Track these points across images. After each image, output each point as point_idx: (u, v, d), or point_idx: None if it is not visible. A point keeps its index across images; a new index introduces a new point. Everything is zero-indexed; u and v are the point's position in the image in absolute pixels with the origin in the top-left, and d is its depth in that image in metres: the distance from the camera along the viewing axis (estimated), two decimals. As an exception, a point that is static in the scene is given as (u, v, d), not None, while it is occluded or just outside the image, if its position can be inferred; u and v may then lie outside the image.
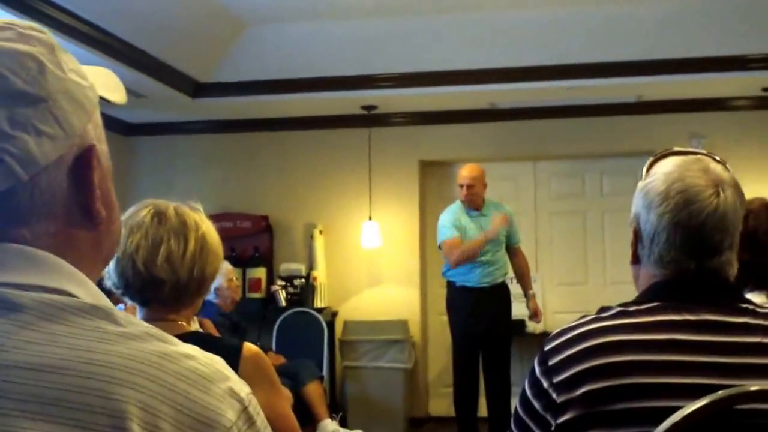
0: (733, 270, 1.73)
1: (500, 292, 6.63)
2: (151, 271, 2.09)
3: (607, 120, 8.02)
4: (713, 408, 1.45)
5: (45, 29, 1.00)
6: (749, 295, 1.81)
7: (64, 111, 0.95)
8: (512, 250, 6.80)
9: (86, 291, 0.96)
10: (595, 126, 8.04)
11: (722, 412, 1.47)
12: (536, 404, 1.67)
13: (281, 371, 3.53)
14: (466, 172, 6.58)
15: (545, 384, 1.66)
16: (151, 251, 2.09)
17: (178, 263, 2.11)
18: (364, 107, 7.93)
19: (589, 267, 8.33)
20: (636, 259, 1.80)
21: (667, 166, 1.74)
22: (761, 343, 1.63)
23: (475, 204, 6.58)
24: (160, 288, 2.12)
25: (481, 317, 6.44)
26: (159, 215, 2.14)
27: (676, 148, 1.83)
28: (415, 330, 8.13)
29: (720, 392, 1.47)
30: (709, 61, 6.86)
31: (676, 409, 1.47)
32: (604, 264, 8.25)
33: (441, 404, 8.17)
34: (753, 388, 1.50)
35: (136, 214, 2.14)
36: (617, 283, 7.84)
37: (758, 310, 1.69)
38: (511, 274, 6.90)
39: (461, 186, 6.58)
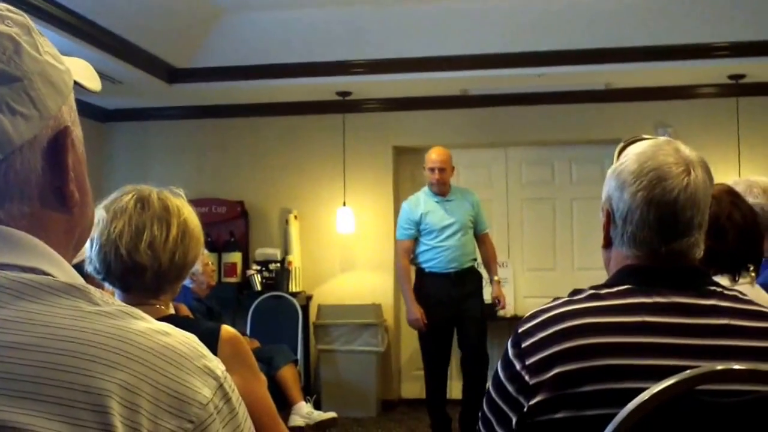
0: (700, 251, 1.76)
1: (468, 277, 6.54)
2: (133, 258, 2.08)
3: (576, 108, 8.08)
4: (680, 388, 1.47)
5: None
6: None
7: (39, 92, 0.95)
8: (479, 237, 6.73)
9: (61, 270, 0.95)
10: (564, 113, 8.10)
11: (688, 392, 1.49)
12: (509, 387, 1.68)
13: (256, 356, 3.57)
14: (435, 155, 6.53)
15: (518, 366, 1.67)
16: (135, 237, 2.08)
17: (160, 249, 2.10)
18: (338, 93, 7.96)
19: (557, 253, 8.37)
20: (608, 243, 1.81)
21: (639, 147, 1.77)
22: (729, 324, 1.66)
23: (443, 189, 6.56)
24: (141, 274, 2.11)
25: (448, 303, 6.41)
26: (142, 201, 2.13)
27: (645, 135, 1.86)
28: (387, 314, 8.18)
29: (686, 372, 1.49)
30: (676, 49, 6.93)
31: (644, 390, 1.48)
32: (572, 250, 8.32)
33: (413, 387, 8.23)
34: (718, 368, 1.53)
35: (119, 199, 2.13)
36: (584, 269, 7.98)
37: (725, 292, 1.72)
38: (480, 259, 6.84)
39: (432, 170, 6.52)
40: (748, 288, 2.57)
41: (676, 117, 7.92)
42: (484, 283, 6.75)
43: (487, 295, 6.86)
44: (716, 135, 7.71)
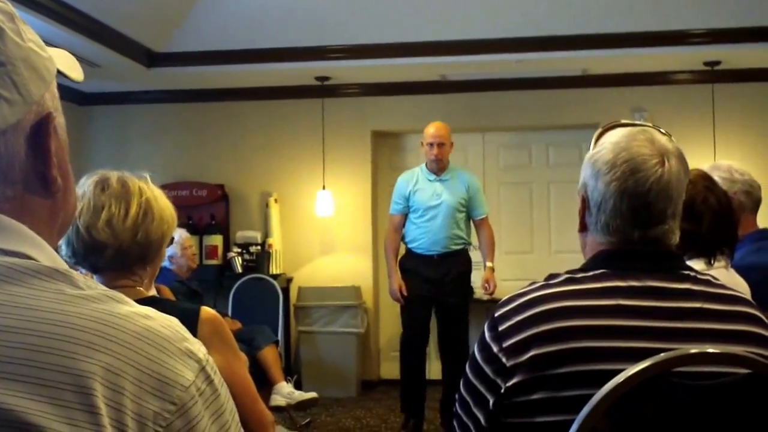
0: (675, 238, 1.78)
1: (453, 261, 6.41)
2: (92, 235, 2.12)
3: (553, 93, 8.13)
4: (654, 370, 1.50)
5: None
6: (689, 263, 1.85)
7: (22, 77, 0.95)
8: (476, 222, 6.57)
9: (45, 254, 0.95)
10: (541, 99, 8.15)
11: (663, 374, 1.52)
12: (487, 369, 1.70)
13: (238, 337, 3.55)
14: (434, 130, 6.36)
15: (495, 349, 1.69)
16: (93, 216, 2.12)
17: (120, 227, 2.13)
18: (317, 78, 7.97)
19: (534, 236, 8.42)
20: (583, 227, 1.84)
21: (615, 136, 1.78)
22: (702, 308, 1.70)
23: (441, 165, 6.40)
24: (102, 252, 2.14)
25: (428, 285, 6.35)
26: (102, 183, 2.18)
27: (623, 121, 1.89)
28: (367, 296, 8.26)
29: (661, 354, 1.51)
30: (653, 35, 6.99)
31: (619, 372, 1.51)
32: (549, 233, 8.37)
33: (392, 367, 8.24)
34: (692, 351, 1.55)
35: (82, 184, 2.18)
36: (561, 252, 8.05)
37: (699, 276, 1.76)
38: (475, 242, 6.67)
39: (431, 145, 6.35)
40: (723, 272, 2.63)
41: (652, 102, 7.99)
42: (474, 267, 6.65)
43: (478, 279, 6.76)
44: (692, 120, 7.80)
